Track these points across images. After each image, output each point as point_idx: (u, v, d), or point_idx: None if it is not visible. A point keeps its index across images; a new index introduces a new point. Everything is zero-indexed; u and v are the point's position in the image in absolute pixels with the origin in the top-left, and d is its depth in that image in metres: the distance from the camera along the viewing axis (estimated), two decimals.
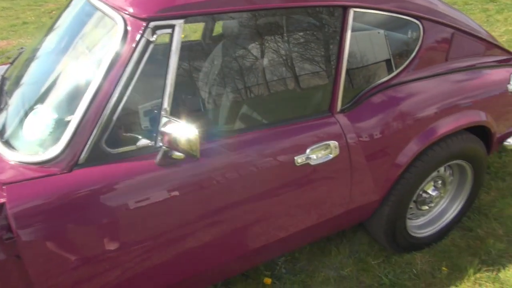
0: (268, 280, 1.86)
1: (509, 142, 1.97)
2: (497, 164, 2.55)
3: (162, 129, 1.14)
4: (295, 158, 1.40)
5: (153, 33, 1.14)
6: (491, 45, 1.95)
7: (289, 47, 1.53)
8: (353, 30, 1.48)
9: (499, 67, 1.88)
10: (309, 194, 1.50)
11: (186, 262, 1.38)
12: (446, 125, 1.64)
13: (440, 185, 1.92)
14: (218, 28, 2.00)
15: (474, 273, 1.82)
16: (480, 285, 1.79)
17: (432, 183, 1.88)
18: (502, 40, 4.52)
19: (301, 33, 1.51)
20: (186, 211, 1.29)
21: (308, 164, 1.42)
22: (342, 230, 2.09)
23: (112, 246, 1.19)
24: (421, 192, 1.87)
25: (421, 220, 2.01)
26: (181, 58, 1.87)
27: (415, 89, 1.63)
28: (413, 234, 1.92)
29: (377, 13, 1.52)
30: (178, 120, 1.12)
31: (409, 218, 1.96)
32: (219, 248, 1.42)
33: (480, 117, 1.75)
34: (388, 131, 1.55)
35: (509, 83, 1.84)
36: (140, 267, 1.27)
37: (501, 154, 2.64)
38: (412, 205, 1.89)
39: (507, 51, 2.07)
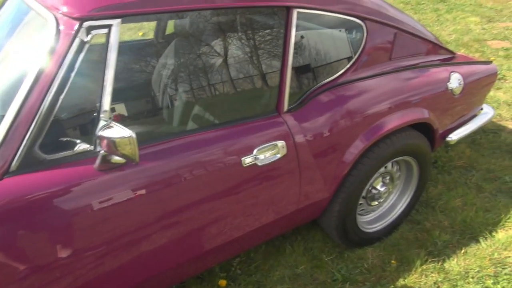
0: (223, 282, 1.85)
1: (451, 137, 2.06)
2: (444, 158, 2.67)
3: (100, 133, 1.10)
4: (242, 159, 1.39)
5: (88, 33, 1.10)
6: (434, 45, 2.03)
7: (235, 48, 1.52)
8: (298, 30, 1.50)
9: (440, 66, 1.96)
10: (258, 194, 1.51)
11: (137, 268, 1.35)
12: (390, 123, 1.70)
13: (388, 181, 1.98)
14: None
15: (421, 264, 1.89)
16: (426, 276, 1.86)
17: (380, 179, 1.94)
18: (451, 39, 4.74)
19: (247, 34, 1.51)
20: (132, 216, 1.26)
21: (255, 164, 1.43)
22: (297, 228, 2.12)
23: (50, 257, 1.14)
24: (370, 188, 1.93)
25: (371, 216, 2.07)
26: (132, 58, 1.82)
27: (360, 88, 1.67)
28: (364, 230, 1.97)
29: (321, 14, 1.54)
30: (116, 123, 1.09)
31: (360, 214, 2.01)
32: (172, 252, 1.40)
33: (423, 114, 1.82)
34: (334, 129, 1.58)
35: (448, 82, 1.92)
36: (87, 276, 1.23)
37: (447, 149, 2.76)
38: (362, 201, 1.94)
39: (449, 51, 2.17)
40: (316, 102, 1.58)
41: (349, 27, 1.65)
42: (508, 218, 2.14)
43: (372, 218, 2.07)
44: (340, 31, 1.65)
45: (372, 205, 2.00)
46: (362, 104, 1.64)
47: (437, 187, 2.40)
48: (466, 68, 2.06)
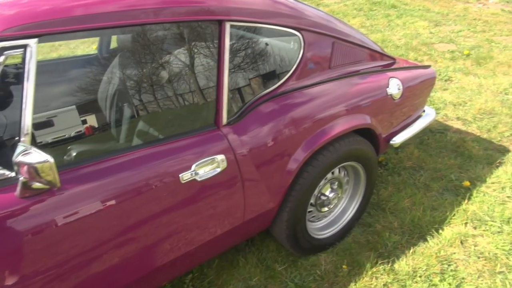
0: None
1: (394, 141, 2.11)
2: (394, 160, 2.74)
3: (19, 158, 1.05)
4: (181, 175, 1.37)
5: (0, 54, 1.05)
6: (374, 52, 2.09)
7: (171, 63, 1.50)
8: (237, 41, 1.50)
9: (379, 72, 2.01)
10: (202, 208, 1.48)
11: None
12: (332, 130, 1.72)
13: (336, 187, 2.00)
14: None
15: (371, 267, 1.92)
16: (376, 278, 1.89)
17: (328, 185, 1.96)
18: (401, 43, 4.90)
19: (182, 48, 1.49)
20: (67, 243, 1.20)
21: (195, 180, 1.40)
22: (251, 239, 2.11)
23: None
24: (319, 195, 1.94)
25: (323, 222, 2.09)
26: (76, 74, 1.76)
27: (300, 96, 1.68)
28: (315, 236, 1.99)
29: (256, 26, 1.55)
30: (35, 148, 1.04)
31: (311, 221, 2.02)
32: (117, 273, 1.35)
33: (364, 120, 1.86)
34: (275, 140, 1.58)
35: (388, 87, 1.97)
36: None
37: (397, 151, 2.83)
38: (311, 208, 1.95)
39: (389, 57, 2.23)
40: (256, 113, 1.58)
41: (287, 38, 1.67)
42: (454, 215, 2.22)
43: (324, 224, 2.08)
44: (277, 42, 1.66)
45: (323, 211, 2.02)
46: (303, 112, 1.66)
47: (388, 189, 2.46)
48: (405, 73, 2.13)
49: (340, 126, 1.75)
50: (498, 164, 2.63)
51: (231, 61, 1.49)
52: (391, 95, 1.98)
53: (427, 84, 2.26)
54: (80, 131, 1.38)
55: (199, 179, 1.41)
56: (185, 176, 1.38)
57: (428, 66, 2.34)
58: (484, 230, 2.12)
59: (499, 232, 2.10)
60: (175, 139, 1.42)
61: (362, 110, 1.86)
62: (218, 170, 1.45)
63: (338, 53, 1.86)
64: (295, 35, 1.67)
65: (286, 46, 1.68)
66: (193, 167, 1.39)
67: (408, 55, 4.52)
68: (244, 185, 1.55)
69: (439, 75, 4.01)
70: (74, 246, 1.22)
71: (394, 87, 2.00)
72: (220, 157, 1.45)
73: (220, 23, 1.43)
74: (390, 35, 5.24)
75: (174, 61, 1.51)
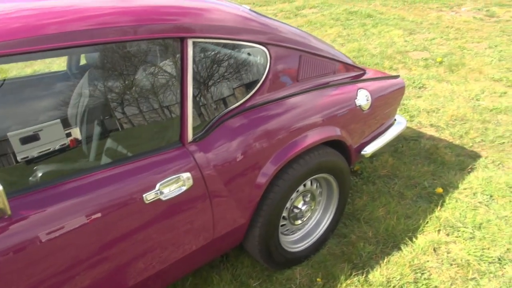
0: None
1: (366, 151, 2.13)
2: (369, 169, 2.76)
3: None
4: (144, 195, 1.34)
5: None
6: (343, 64, 2.10)
7: (135, 80, 1.48)
8: (201, 58, 1.49)
9: (347, 84, 2.03)
10: (170, 227, 1.46)
11: None
12: (300, 143, 1.72)
13: (309, 199, 2.00)
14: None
15: (346, 279, 1.91)
16: None
17: (301, 198, 1.96)
18: (376, 52, 4.98)
19: (146, 66, 1.48)
20: (33, 266, 1.16)
21: (159, 199, 1.38)
22: (226, 254, 2.08)
23: None
24: (291, 208, 1.93)
25: (298, 234, 2.08)
26: (44, 91, 1.71)
27: (267, 110, 1.68)
28: (290, 250, 1.97)
29: (221, 42, 1.55)
30: None
31: (285, 234, 2.01)
32: None
33: (334, 132, 1.86)
34: (243, 155, 1.57)
35: (356, 98, 1.99)
36: None
37: (372, 160, 2.85)
38: (284, 221, 1.94)
39: (359, 68, 2.25)
40: (223, 129, 1.57)
41: (253, 52, 1.67)
42: (427, 223, 2.23)
43: (299, 237, 2.07)
44: (243, 57, 1.66)
45: (296, 224, 2.01)
46: (271, 126, 1.65)
47: (363, 198, 2.46)
48: (374, 84, 2.15)
49: (309, 139, 1.75)
50: (469, 170, 2.67)
51: (195, 77, 1.48)
52: (360, 106, 2.00)
53: (396, 94, 2.29)
54: (46, 150, 1.34)
55: (164, 199, 1.39)
56: (149, 196, 1.35)
57: (397, 76, 2.38)
58: (456, 237, 2.14)
59: (471, 238, 2.12)
60: (139, 158, 1.39)
61: (331, 122, 1.86)
62: (184, 188, 1.43)
63: (306, 66, 1.86)
64: (262, 49, 1.68)
65: (253, 61, 1.68)
66: (158, 186, 1.37)
67: (383, 64, 4.59)
68: (212, 202, 1.53)
69: (413, 82, 4.07)
70: (31, 275, 1.18)
71: (363, 98, 2.01)
72: (186, 175, 1.43)
73: (182, 40, 1.42)
74: (366, 44, 5.32)
75: (138, 79, 1.49)
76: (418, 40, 5.37)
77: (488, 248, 2.05)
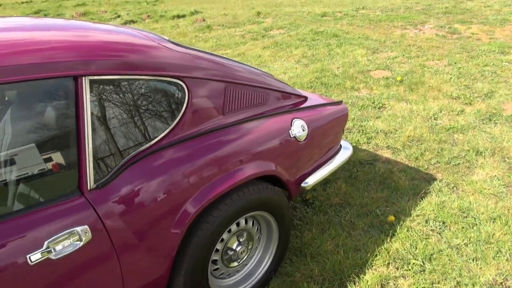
0: None
1: (306, 183, 1.99)
2: (322, 197, 2.62)
3: None
4: (28, 256, 1.17)
5: None
6: (279, 93, 1.99)
7: (27, 123, 1.32)
8: (102, 96, 1.35)
9: (281, 114, 1.90)
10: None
11: None
12: (224, 182, 1.57)
13: (245, 239, 1.84)
14: None
15: None
16: None
17: (235, 238, 1.80)
18: (339, 71, 4.92)
19: (39, 106, 1.32)
20: None
21: (48, 259, 1.21)
22: None
23: None
24: (226, 250, 1.77)
25: (237, 276, 1.91)
26: None
27: (185, 149, 1.53)
28: None
29: (126, 78, 1.41)
30: None
31: (221, 278, 1.84)
32: None
33: (265, 167, 1.73)
34: (155, 199, 1.42)
35: (291, 129, 1.87)
36: None
37: (325, 187, 2.72)
38: (218, 265, 1.77)
39: (298, 95, 2.14)
40: (132, 171, 1.41)
41: (167, 88, 1.53)
42: (376, 256, 2.09)
43: (237, 280, 1.91)
44: (155, 93, 1.52)
45: (232, 267, 1.85)
46: (188, 166, 1.50)
47: (312, 231, 2.32)
48: (312, 113, 2.04)
49: (235, 177, 1.61)
50: (423, 195, 2.56)
51: (94, 117, 1.33)
52: (295, 137, 1.87)
53: (338, 121, 2.18)
54: None
55: (54, 258, 1.21)
56: (35, 257, 1.18)
57: (339, 102, 2.27)
58: (406, 270, 2.00)
59: (421, 271, 1.99)
60: (26, 211, 1.22)
61: (262, 156, 1.73)
62: (80, 243, 1.26)
63: (233, 98, 1.74)
64: (177, 83, 1.54)
65: (168, 96, 1.54)
66: (46, 244, 1.20)
67: (345, 84, 4.52)
68: (120, 255, 1.36)
69: (373, 102, 4.00)
70: None
71: (298, 128, 1.89)
72: (82, 228, 1.26)
73: (76, 79, 1.27)
74: (329, 64, 5.27)
75: (31, 121, 1.33)
76: (380, 59, 5.35)
77: (438, 282, 1.92)
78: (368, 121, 3.62)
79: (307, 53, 5.87)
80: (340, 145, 2.32)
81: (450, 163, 2.89)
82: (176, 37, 7.52)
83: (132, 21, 9.29)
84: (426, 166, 2.89)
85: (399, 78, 4.53)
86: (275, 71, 5.17)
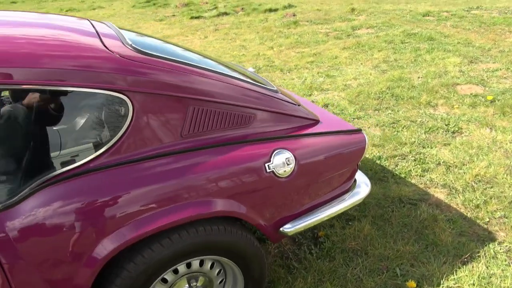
0: None
1: (287, 228, 1.60)
2: (337, 236, 2.18)
3: None
4: None
5: None
6: (270, 113, 1.63)
7: None
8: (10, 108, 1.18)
9: (261, 141, 1.54)
10: None
11: None
12: (155, 221, 1.30)
13: (202, 283, 1.55)
14: None
15: None
16: None
17: (186, 281, 1.52)
18: (418, 82, 4.22)
19: None
20: None
21: None
22: None
23: None
24: None
25: None
26: None
27: (113, 175, 1.29)
28: None
29: (49, 89, 1.21)
30: None
31: None
32: None
33: (217, 206, 1.39)
34: (63, 230, 1.21)
35: (269, 162, 1.50)
36: None
37: (346, 224, 2.27)
38: None
39: (303, 117, 1.74)
40: (43, 195, 1.22)
41: (103, 102, 1.31)
42: None
43: None
44: (85, 107, 1.31)
45: None
46: (111, 196, 1.26)
47: (307, 280, 1.92)
48: (308, 142, 1.63)
49: (171, 216, 1.32)
50: (467, 259, 1.96)
51: (6, 131, 1.17)
52: (273, 171, 1.51)
53: (349, 155, 1.73)
54: None
55: None
56: None
57: (358, 131, 1.80)
58: None
59: None
60: None
61: (219, 192, 1.41)
62: None
63: (199, 118, 1.44)
64: (118, 98, 1.30)
65: (103, 112, 1.32)
66: None
67: (420, 98, 3.84)
68: None
69: (447, 124, 3.30)
70: None
71: (279, 162, 1.51)
72: None
73: None
74: (410, 72, 4.56)
75: None
76: (476, 71, 4.46)
77: None
78: (431, 148, 2.97)
79: (390, 58, 5.18)
80: (354, 181, 1.86)
81: None
82: (260, 31, 7.33)
83: (225, 13, 9.37)
84: (487, 220, 2.23)
85: (489, 98, 3.68)
86: (345, 75, 4.65)
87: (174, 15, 9.67)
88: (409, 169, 2.74)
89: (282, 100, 1.72)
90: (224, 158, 1.44)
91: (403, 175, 2.69)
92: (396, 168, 2.77)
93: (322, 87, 4.38)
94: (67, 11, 10.66)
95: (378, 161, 2.86)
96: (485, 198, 2.37)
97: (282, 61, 5.47)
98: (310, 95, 4.20)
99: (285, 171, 1.53)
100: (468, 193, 2.44)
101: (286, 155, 1.54)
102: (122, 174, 1.31)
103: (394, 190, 2.51)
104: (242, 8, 9.79)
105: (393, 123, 3.43)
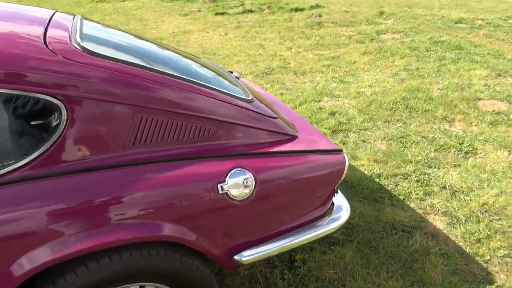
0: None
1: (242, 256, 1.42)
2: (314, 263, 1.97)
3: None
4: None
5: None
6: (237, 126, 1.45)
7: None
8: None
9: (219, 158, 1.37)
10: None
11: None
12: (77, 243, 1.15)
13: None
14: None
15: None
16: None
17: None
18: (437, 95, 3.91)
19: None
20: None
21: None
22: None
23: None
24: None
25: None
26: None
27: (37, 188, 1.15)
28: None
29: None
30: None
31: None
32: None
33: (154, 230, 1.23)
34: None
35: (223, 182, 1.32)
36: None
37: (328, 249, 2.06)
38: None
39: (278, 132, 1.55)
40: None
41: (31, 106, 1.17)
42: None
43: None
44: (9, 111, 1.17)
45: None
46: (26, 213, 1.12)
47: None
48: (276, 162, 1.44)
49: (96, 239, 1.17)
50: None
51: None
52: (227, 193, 1.33)
53: (324, 178, 1.52)
54: None
55: None
56: None
57: (338, 151, 1.59)
58: None
59: None
60: None
61: (158, 214, 1.25)
62: None
63: (148, 129, 1.28)
64: (50, 102, 1.16)
65: (30, 118, 1.18)
66: None
67: (436, 112, 3.54)
68: None
69: (461, 143, 3.01)
70: None
71: (236, 183, 1.33)
72: None
73: None
74: (430, 83, 4.25)
75: None
76: (503, 86, 4.10)
77: None
78: (438, 169, 2.70)
79: (411, 66, 4.87)
80: (332, 204, 1.66)
81: None
82: (282, 31, 7.12)
83: (251, 11, 9.20)
84: (488, 257, 1.96)
85: None
86: (360, 82, 4.39)
87: (199, 11, 9.59)
88: (409, 190, 2.50)
89: (255, 111, 1.53)
90: (171, 175, 1.28)
91: (401, 197, 2.44)
92: (395, 189, 2.52)
93: (333, 93, 4.14)
94: (97, 2, 10.80)
95: (377, 179, 2.62)
96: (489, 232, 2.10)
97: (298, 63, 5.25)
98: (319, 101, 3.97)
99: (241, 193, 1.35)
100: (471, 224, 2.18)
101: (245, 175, 1.36)
102: (46, 188, 1.17)
103: (388, 214, 2.28)
104: (269, 6, 9.58)
105: (402, 137, 3.16)
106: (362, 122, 3.44)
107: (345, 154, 1.59)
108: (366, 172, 2.71)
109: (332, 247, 2.06)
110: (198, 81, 1.43)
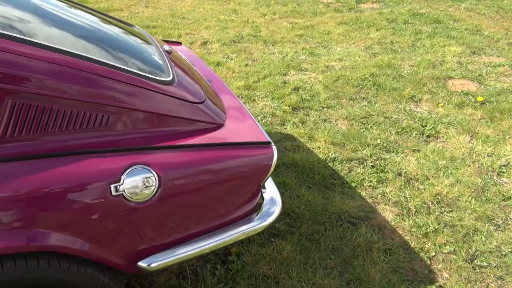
0: None
1: (147, 263, 1.25)
2: (250, 257, 1.82)
3: None
4: None
5: None
6: (145, 113, 1.23)
7: None
8: None
9: (115, 152, 1.16)
10: None
11: None
12: None
13: None
14: None
15: None
16: None
17: None
18: (407, 72, 3.72)
19: None
20: None
21: None
22: None
23: None
24: None
25: None
26: None
27: None
28: None
29: None
30: None
31: None
32: None
33: (33, 239, 1.04)
34: None
35: (118, 182, 1.12)
36: None
37: (268, 241, 1.91)
38: None
39: (193, 119, 1.33)
40: None
41: None
42: None
43: None
44: None
45: None
46: None
47: None
48: (188, 156, 1.24)
49: None
50: None
51: None
52: (122, 195, 1.13)
53: (245, 176, 1.34)
54: None
55: None
56: None
57: (266, 144, 1.39)
58: None
59: None
60: None
61: (37, 220, 1.05)
62: None
63: (25, 116, 1.06)
64: None
65: None
66: None
67: (403, 91, 3.36)
68: None
69: (423, 126, 2.85)
70: None
71: (134, 183, 1.14)
72: None
73: None
74: (402, 59, 4.04)
75: None
76: (476, 64, 3.92)
77: None
78: (396, 154, 2.55)
79: (386, 39, 4.63)
80: (261, 199, 1.49)
81: (475, 261, 1.80)
82: None
83: None
84: (432, 254, 1.85)
85: (480, 99, 3.19)
86: (331, 55, 4.15)
87: None
88: (363, 177, 2.34)
89: (172, 96, 1.31)
90: (53, 173, 1.07)
91: (353, 184, 2.30)
92: (348, 175, 2.37)
93: (301, 66, 3.90)
94: None
95: (331, 164, 2.46)
96: (437, 226, 1.98)
97: (270, 31, 4.95)
98: (284, 74, 3.74)
99: (141, 193, 1.15)
100: (420, 217, 2.05)
101: (146, 174, 1.16)
102: None
103: (337, 203, 2.13)
104: None
105: (365, 117, 2.99)
106: (326, 100, 3.24)
107: (274, 148, 1.39)
108: (320, 156, 2.54)
109: (272, 239, 1.92)
110: (94, 58, 1.19)
